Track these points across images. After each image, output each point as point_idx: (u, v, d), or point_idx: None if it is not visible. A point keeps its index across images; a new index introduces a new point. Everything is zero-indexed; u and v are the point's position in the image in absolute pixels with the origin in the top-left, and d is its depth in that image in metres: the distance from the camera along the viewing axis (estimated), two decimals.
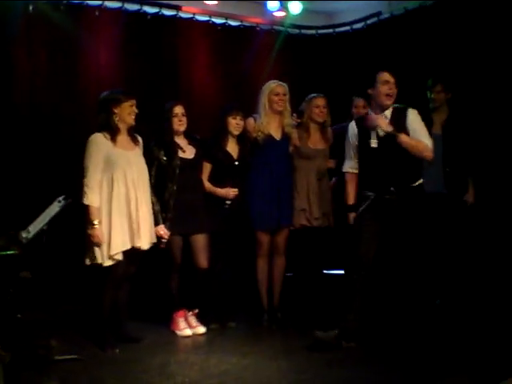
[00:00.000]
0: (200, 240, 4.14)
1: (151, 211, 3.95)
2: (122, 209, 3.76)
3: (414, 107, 3.88)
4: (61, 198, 3.52)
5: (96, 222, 3.68)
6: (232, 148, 4.33)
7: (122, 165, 3.77)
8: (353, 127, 3.94)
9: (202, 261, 4.13)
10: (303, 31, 5.86)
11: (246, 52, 5.52)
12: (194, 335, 4.13)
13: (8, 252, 3.23)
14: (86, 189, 3.70)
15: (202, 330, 4.17)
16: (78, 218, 3.77)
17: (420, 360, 3.46)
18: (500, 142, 4.70)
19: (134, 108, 3.87)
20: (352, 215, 3.94)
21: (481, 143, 4.69)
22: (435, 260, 4.44)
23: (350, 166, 3.98)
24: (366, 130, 3.83)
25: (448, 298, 4.51)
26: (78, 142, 3.92)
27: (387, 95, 3.73)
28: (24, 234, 3.32)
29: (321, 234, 4.43)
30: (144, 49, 5.08)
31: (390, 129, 3.70)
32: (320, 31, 5.90)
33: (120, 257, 3.74)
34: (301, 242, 4.48)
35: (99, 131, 3.80)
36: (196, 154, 4.22)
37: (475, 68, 4.81)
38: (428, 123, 4.49)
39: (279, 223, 4.33)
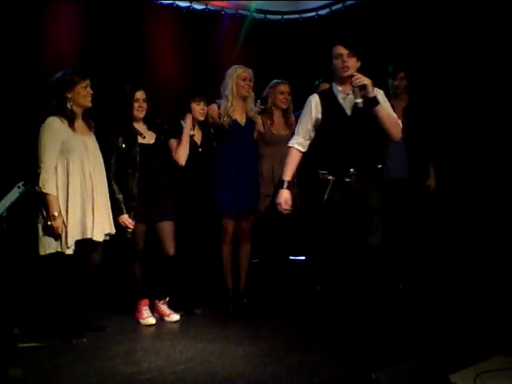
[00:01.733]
0: (166, 227, 4.10)
1: (108, 201, 3.85)
2: (77, 197, 3.66)
3: None
4: (20, 184, 3.42)
5: (56, 213, 3.58)
6: (196, 134, 4.29)
7: (79, 151, 3.66)
8: (316, 101, 3.63)
9: (169, 248, 4.09)
10: (269, 16, 5.83)
11: (210, 36, 5.47)
12: (159, 323, 4.09)
13: None
14: (42, 176, 3.57)
15: (176, 317, 4.14)
16: (33, 205, 3.65)
17: (386, 342, 3.51)
18: (460, 127, 4.80)
19: (89, 89, 3.72)
20: (285, 192, 3.68)
21: (441, 129, 4.78)
22: (398, 245, 4.53)
23: (299, 143, 3.69)
24: (335, 102, 3.58)
25: (411, 283, 4.61)
26: (38, 126, 3.80)
27: (342, 68, 3.52)
28: None
29: (287, 219, 4.41)
30: (106, 30, 4.95)
31: (373, 93, 3.46)
32: (285, 16, 5.89)
33: (73, 246, 3.64)
34: (267, 228, 4.49)
35: (54, 115, 3.67)
36: (156, 139, 4.14)
37: (435, 55, 4.89)
38: None
39: (245, 209, 4.33)
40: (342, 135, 3.57)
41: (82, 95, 3.70)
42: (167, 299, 4.20)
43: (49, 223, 3.59)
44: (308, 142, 3.69)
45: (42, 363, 3.37)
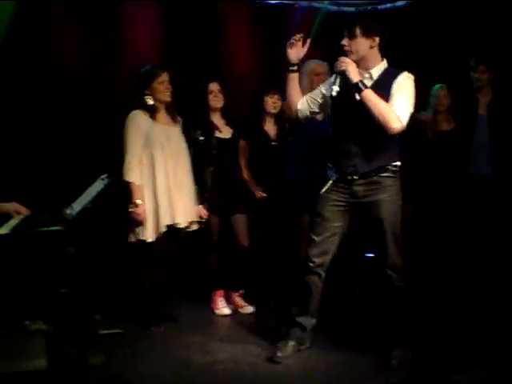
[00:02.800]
0: (239, 220, 4.15)
1: (191, 189, 3.94)
2: (162, 186, 3.78)
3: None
4: (104, 176, 3.55)
5: (139, 201, 3.71)
6: (269, 128, 4.30)
7: (161, 141, 3.78)
8: (334, 78, 3.16)
9: (243, 240, 4.14)
10: (343, 8, 5.76)
11: (284, 30, 5.45)
12: (233, 314, 4.14)
13: (53, 228, 3.28)
14: (126, 166, 3.72)
15: (250, 309, 4.18)
16: (121, 196, 3.79)
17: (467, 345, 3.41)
18: None
19: (167, 84, 3.82)
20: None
21: None
22: (481, 245, 4.36)
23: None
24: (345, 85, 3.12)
25: (493, 283, 4.43)
26: (121, 120, 3.93)
27: (345, 51, 3.15)
28: (68, 211, 3.35)
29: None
30: (182, 26, 5.05)
31: (356, 79, 3.04)
32: (360, 8, 5.79)
33: (161, 232, 3.77)
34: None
35: (137, 109, 3.80)
36: (233, 134, 4.19)
37: None
38: (473, 103, 4.41)
39: None
40: (341, 124, 3.23)
41: (160, 90, 3.81)
42: (242, 291, 4.24)
43: (131, 210, 3.72)
44: (306, 106, 3.37)
45: (121, 350, 3.49)
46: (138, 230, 3.75)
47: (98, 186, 3.51)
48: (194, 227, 4.01)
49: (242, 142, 4.26)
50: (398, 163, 3.20)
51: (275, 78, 5.07)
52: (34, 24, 4.54)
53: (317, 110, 3.41)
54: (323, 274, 3.31)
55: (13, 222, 3.25)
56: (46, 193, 4.31)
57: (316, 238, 3.25)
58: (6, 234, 3.16)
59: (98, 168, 3.72)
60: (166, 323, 3.90)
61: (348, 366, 3.23)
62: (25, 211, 3.33)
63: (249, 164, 4.30)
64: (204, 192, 4.05)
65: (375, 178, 3.15)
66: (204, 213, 4.03)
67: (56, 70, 4.66)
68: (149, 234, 3.74)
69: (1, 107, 4.46)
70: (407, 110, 3.07)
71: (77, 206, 3.39)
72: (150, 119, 3.79)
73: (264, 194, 4.24)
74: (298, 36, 3.25)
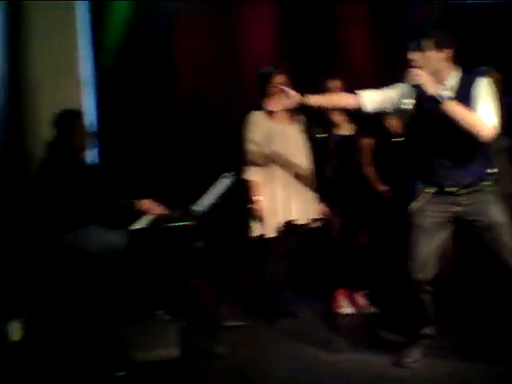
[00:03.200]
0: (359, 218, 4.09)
1: (310, 187, 3.96)
2: (279, 184, 3.85)
3: None
4: (228, 174, 3.70)
5: (257, 198, 3.81)
6: (392, 124, 4.22)
7: (279, 139, 3.85)
8: (407, 90, 3.08)
9: (364, 238, 4.10)
10: (468, 1, 5.51)
11: (403, 24, 5.32)
12: (356, 314, 4.08)
13: (183, 223, 3.44)
14: (246, 165, 3.85)
15: (373, 310, 4.10)
16: (243, 193, 3.91)
17: None
18: None
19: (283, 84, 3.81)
20: None
21: None
22: None
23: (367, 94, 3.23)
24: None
25: None
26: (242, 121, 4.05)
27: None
28: (196, 208, 3.51)
29: None
30: (302, 26, 5.10)
31: (434, 92, 2.95)
32: (472, 1, 5.52)
33: (280, 229, 3.83)
34: None
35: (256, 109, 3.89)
36: (353, 131, 4.16)
37: None
38: None
39: None
40: (429, 138, 3.11)
41: (276, 90, 3.82)
42: (366, 291, 4.17)
43: (251, 207, 3.82)
44: (373, 104, 3.22)
45: (245, 342, 3.57)
46: (257, 225, 3.85)
47: (223, 183, 3.65)
48: (315, 225, 4.03)
49: (365, 139, 4.21)
50: (495, 170, 3.12)
51: (394, 73, 5.02)
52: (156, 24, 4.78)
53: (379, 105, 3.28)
54: (430, 288, 3.19)
55: (148, 217, 3.47)
56: (176, 190, 4.54)
57: (417, 253, 3.14)
58: (142, 228, 3.37)
59: (224, 167, 3.87)
60: (287, 318, 3.94)
61: (473, 373, 3.08)
62: (160, 209, 3.55)
63: (373, 161, 4.22)
64: (325, 189, 4.05)
65: (476, 188, 3.06)
66: (325, 210, 4.04)
67: (181, 69, 4.87)
68: (267, 230, 3.83)
69: (128, 110, 4.76)
70: (493, 113, 2.97)
71: (204, 203, 3.54)
72: (269, 119, 3.87)
73: (388, 192, 4.16)
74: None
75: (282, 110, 3.86)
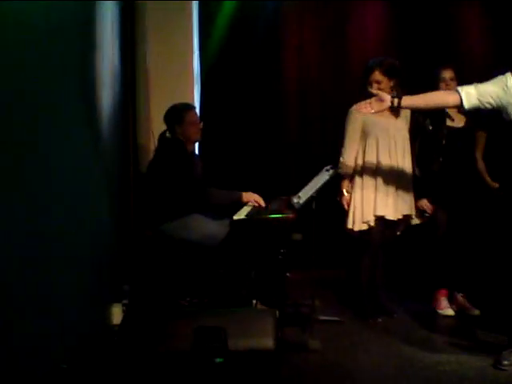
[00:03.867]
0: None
1: (407, 182, 3.85)
2: (371, 177, 3.79)
3: None
4: (329, 167, 3.66)
5: (344, 191, 3.82)
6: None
7: (375, 133, 3.79)
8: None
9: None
10: None
11: None
12: (457, 315, 3.94)
13: (282, 215, 3.44)
14: (341, 158, 3.82)
15: (476, 312, 3.95)
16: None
17: None
18: None
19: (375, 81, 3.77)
20: None
21: None
22: None
23: (467, 92, 3.13)
24: None
25: None
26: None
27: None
28: (295, 200, 3.50)
29: None
30: (412, 16, 4.95)
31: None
32: None
33: (372, 223, 3.76)
34: None
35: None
36: (466, 123, 3.96)
37: None
38: None
39: None
40: None
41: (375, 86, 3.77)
42: (467, 293, 4.02)
43: (338, 199, 3.83)
44: (474, 102, 3.09)
45: (339, 338, 3.53)
46: (348, 218, 3.82)
47: (323, 176, 3.62)
48: (415, 222, 3.90)
49: (478, 132, 4.00)
50: None
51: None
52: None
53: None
54: None
55: (247, 208, 3.51)
56: (276, 182, 4.58)
57: None
58: (243, 219, 3.41)
59: (325, 159, 3.86)
60: (384, 317, 3.87)
61: None
62: (261, 201, 3.59)
63: (485, 156, 4.01)
64: (431, 184, 3.90)
65: None
66: (428, 206, 3.90)
67: (285, 68, 4.88)
68: (355, 224, 3.79)
69: (232, 106, 4.84)
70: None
71: (304, 195, 3.53)
72: (371, 114, 3.76)
73: (498, 190, 3.94)
74: None
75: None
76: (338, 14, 4.95)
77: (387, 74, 3.77)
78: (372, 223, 3.77)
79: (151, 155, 4.34)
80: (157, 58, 4.55)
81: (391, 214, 3.78)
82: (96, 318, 3.24)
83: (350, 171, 3.83)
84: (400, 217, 3.82)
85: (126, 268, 3.78)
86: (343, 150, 3.83)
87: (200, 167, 3.87)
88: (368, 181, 3.79)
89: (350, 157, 3.83)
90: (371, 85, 3.77)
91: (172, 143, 3.71)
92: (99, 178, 3.31)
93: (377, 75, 3.77)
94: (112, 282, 3.61)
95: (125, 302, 3.44)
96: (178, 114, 3.73)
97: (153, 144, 4.43)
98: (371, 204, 3.77)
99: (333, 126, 4.04)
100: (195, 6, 4.80)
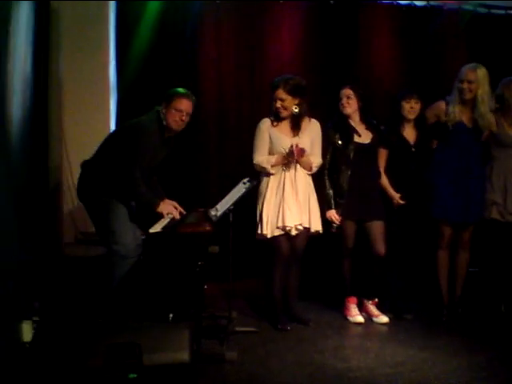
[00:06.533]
0: (376, 227, 4.07)
1: (312, 197, 3.98)
2: (274, 191, 3.90)
3: None
4: (246, 180, 3.69)
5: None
6: (408, 133, 4.19)
7: (278, 149, 3.90)
8: None
9: (379, 248, 4.05)
10: (492, 11, 5.47)
11: (429, 32, 5.30)
12: (367, 323, 4.08)
13: (200, 228, 3.44)
14: (254, 161, 3.94)
15: (384, 319, 4.09)
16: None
17: None
18: None
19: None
20: None
21: None
22: None
23: None
24: None
25: None
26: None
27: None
28: (213, 212, 3.51)
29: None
30: (322, 32, 5.10)
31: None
32: (510, 11, 5.47)
33: (276, 233, 3.86)
34: (490, 236, 4.19)
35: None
36: (372, 139, 4.13)
37: None
38: None
39: (464, 217, 4.09)
40: None
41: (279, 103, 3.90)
42: (376, 300, 4.17)
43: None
44: None
45: (255, 348, 3.57)
46: (259, 226, 3.92)
47: (240, 189, 3.65)
48: (323, 231, 4.02)
49: (380, 149, 4.19)
50: None
51: (418, 78, 5.02)
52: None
53: None
54: None
55: (164, 221, 3.48)
56: (193, 195, 4.56)
57: None
58: (157, 232, 3.38)
59: (240, 172, 3.91)
60: (297, 326, 3.94)
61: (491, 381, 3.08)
62: (177, 214, 3.56)
63: (387, 170, 4.21)
64: (339, 197, 4.04)
65: None
66: (336, 217, 4.03)
67: (202, 80, 4.90)
68: (266, 231, 3.88)
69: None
70: None
71: (221, 208, 3.54)
72: (272, 126, 3.94)
73: (402, 202, 4.14)
74: None
75: (288, 119, 3.92)
76: (257, 29, 5.00)
77: (291, 93, 3.88)
78: (276, 233, 3.87)
79: (63, 163, 4.21)
80: (71, 64, 4.44)
81: (302, 223, 3.89)
82: (4, 335, 3.10)
83: (266, 171, 3.91)
84: (300, 228, 3.91)
85: (36, 284, 3.64)
86: (254, 153, 3.94)
87: (159, 158, 3.78)
88: (270, 194, 3.91)
89: (262, 157, 3.93)
90: (276, 101, 3.89)
91: (147, 122, 3.65)
92: (5, 187, 3.15)
93: (280, 93, 3.87)
94: (21, 298, 3.46)
95: (35, 318, 3.31)
96: (170, 95, 3.70)
97: (64, 152, 4.31)
98: (280, 213, 3.87)
99: (249, 138, 4.06)
100: (112, 7, 4.69)
